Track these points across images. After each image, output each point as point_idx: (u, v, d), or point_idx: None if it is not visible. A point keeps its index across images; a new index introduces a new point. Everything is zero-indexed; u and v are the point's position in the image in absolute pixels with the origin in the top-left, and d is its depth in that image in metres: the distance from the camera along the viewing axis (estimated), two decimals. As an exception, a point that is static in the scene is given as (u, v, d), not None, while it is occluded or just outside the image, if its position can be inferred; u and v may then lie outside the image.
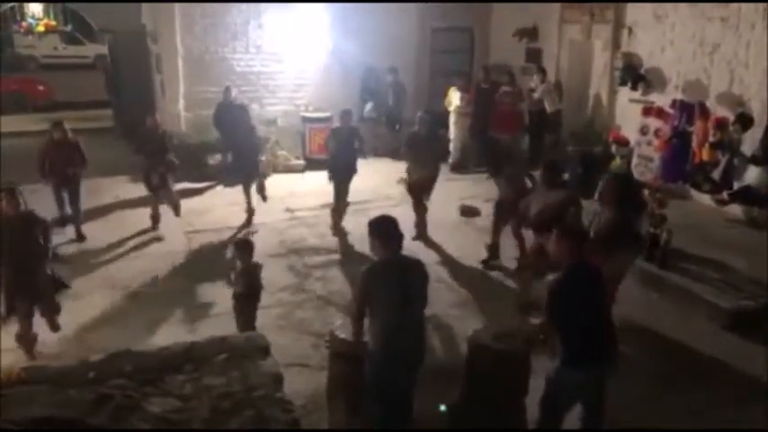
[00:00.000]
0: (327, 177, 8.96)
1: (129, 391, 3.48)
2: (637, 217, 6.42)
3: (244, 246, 5.78)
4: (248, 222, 9.17)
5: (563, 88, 12.24)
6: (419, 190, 8.55)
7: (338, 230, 8.87)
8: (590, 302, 4.08)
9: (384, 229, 4.21)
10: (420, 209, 8.57)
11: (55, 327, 5.96)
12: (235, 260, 5.78)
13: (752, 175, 8.63)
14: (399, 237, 4.22)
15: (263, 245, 8.16)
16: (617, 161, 9.44)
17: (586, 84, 12.02)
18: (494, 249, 7.87)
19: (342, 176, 8.94)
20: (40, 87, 18.14)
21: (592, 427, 4.27)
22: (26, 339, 5.78)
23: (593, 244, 5.38)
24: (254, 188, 9.36)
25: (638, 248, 6.54)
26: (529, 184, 7.43)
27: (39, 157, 8.36)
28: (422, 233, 8.54)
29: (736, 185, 8.73)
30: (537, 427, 4.37)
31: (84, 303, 6.74)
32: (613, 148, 9.65)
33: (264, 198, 9.51)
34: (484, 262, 7.87)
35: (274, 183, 11.05)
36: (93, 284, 7.25)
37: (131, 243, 8.55)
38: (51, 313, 5.91)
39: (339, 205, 9.00)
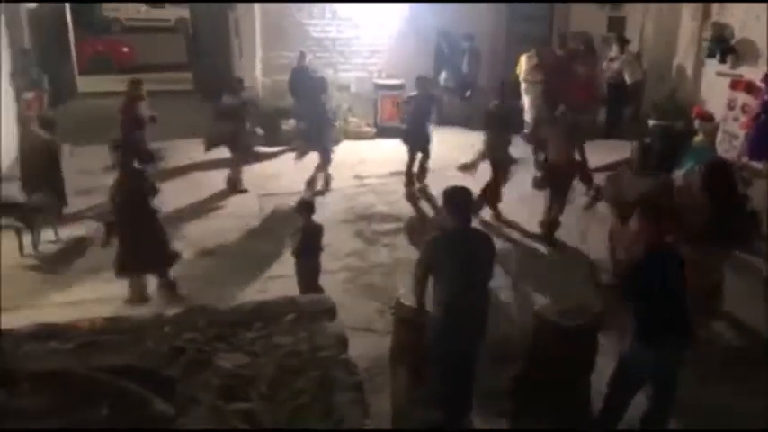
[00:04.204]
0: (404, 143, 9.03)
1: (202, 345, 3.61)
2: (737, 210, 5.69)
3: (303, 205, 5.90)
4: (326, 185, 9.30)
5: (643, 59, 11.75)
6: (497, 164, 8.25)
7: (411, 196, 8.98)
8: (668, 285, 3.99)
9: (456, 199, 4.21)
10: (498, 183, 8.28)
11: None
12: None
13: None
14: (469, 209, 4.20)
15: (331, 211, 8.29)
16: (700, 137, 9.06)
17: (671, 54, 11.51)
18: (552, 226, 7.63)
19: (415, 144, 8.96)
20: (125, 49, 18.59)
21: (661, 407, 4.20)
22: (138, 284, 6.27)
23: (683, 235, 5.15)
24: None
25: (734, 243, 5.91)
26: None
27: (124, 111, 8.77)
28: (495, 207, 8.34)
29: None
30: (603, 404, 4.33)
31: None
32: (696, 124, 9.24)
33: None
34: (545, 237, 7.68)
35: (345, 149, 11.10)
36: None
37: (205, 204, 8.79)
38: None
39: (410, 172, 9.10)
